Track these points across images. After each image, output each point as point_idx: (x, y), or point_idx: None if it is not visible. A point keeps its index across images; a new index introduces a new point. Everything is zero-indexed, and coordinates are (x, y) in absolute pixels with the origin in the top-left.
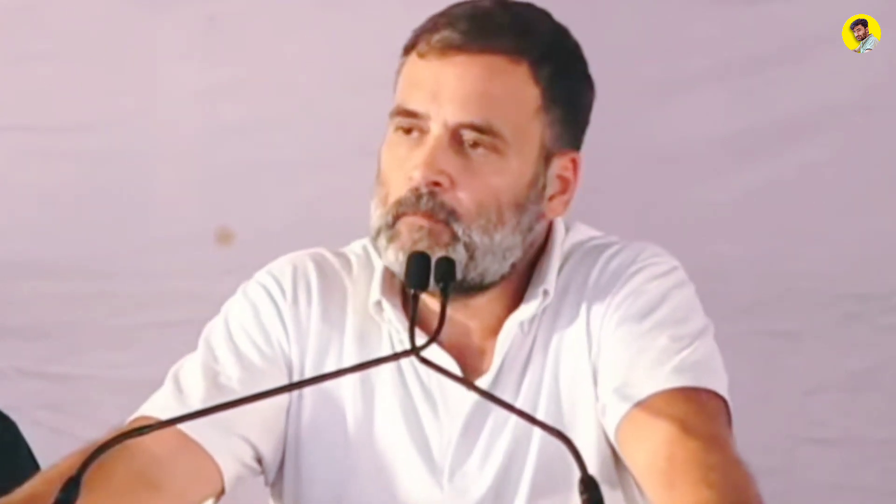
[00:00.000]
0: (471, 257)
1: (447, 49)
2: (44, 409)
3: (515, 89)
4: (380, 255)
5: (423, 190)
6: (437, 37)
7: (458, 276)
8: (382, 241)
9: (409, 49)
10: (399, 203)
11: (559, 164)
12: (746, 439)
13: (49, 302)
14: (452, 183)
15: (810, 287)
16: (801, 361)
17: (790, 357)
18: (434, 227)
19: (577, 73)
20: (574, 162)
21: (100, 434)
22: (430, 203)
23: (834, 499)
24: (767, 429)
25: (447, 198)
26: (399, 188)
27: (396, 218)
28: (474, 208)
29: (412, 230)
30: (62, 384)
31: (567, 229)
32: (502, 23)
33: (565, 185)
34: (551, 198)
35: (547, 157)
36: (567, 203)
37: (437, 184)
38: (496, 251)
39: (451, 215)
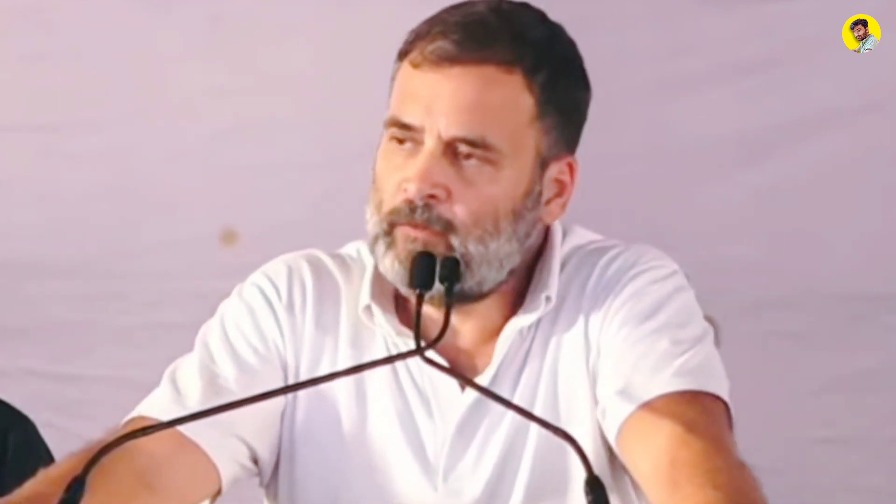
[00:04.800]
0: (467, 266)
1: (441, 60)
2: (51, 409)
3: (509, 99)
4: (377, 261)
5: (418, 202)
6: (430, 47)
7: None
8: (380, 247)
9: (402, 55)
10: (392, 212)
11: (556, 169)
12: (754, 439)
13: (56, 302)
14: (449, 195)
15: (817, 287)
16: (808, 361)
17: (798, 357)
18: (429, 239)
19: (572, 76)
20: (570, 166)
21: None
22: (426, 215)
23: (842, 499)
24: (775, 429)
25: (443, 210)
26: (393, 197)
27: (391, 226)
28: (470, 220)
29: (407, 241)
30: (70, 384)
31: (565, 233)
32: (496, 30)
33: (562, 189)
34: (548, 202)
35: (543, 164)
36: (564, 206)
37: (432, 196)
38: (492, 260)
39: (448, 227)
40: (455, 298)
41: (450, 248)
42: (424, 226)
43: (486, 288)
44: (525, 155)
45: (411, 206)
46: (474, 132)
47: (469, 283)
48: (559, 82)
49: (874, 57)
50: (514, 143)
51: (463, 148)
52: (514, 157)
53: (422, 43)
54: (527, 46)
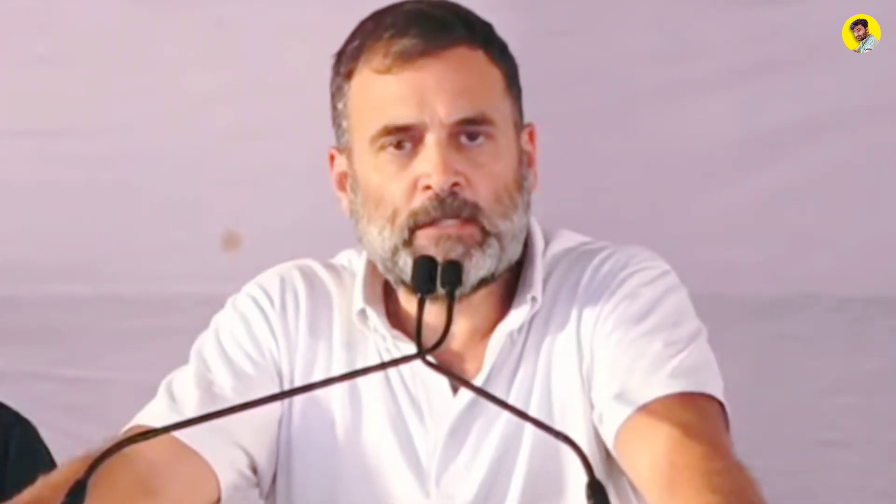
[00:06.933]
0: (502, 248)
1: (412, 56)
2: (52, 411)
3: (484, 75)
4: (400, 275)
5: (444, 194)
6: (394, 49)
7: (493, 268)
8: (403, 259)
9: (350, 73)
10: (416, 214)
11: (524, 140)
12: (759, 442)
13: (58, 305)
14: (467, 180)
15: (822, 291)
16: (812, 365)
17: (802, 360)
18: (462, 233)
19: (508, 49)
20: (531, 134)
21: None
22: (455, 203)
23: (847, 501)
24: (780, 431)
25: (467, 195)
26: (409, 201)
27: (413, 230)
28: (492, 198)
29: (440, 241)
30: (71, 387)
31: (549, 236)
32: (444, 18)
33: (530, 159)
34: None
35: (518, 134)
36: (537, 175)
37: (455, 184)
38: (516, 233)
39: (476, 210)
40: (484, 282)
41: (484, 231)
42: (455, 216)
43: (511, 263)
44: (508, 126)
45: (439, 199)
46: (474, 110)
47: (503, 264)
48: (507, 55)
49: (877, 59)
50: (500, 115)
51: (467, 129)
52: (504, 130)
53: (375, 51)
54: (474, 26)
